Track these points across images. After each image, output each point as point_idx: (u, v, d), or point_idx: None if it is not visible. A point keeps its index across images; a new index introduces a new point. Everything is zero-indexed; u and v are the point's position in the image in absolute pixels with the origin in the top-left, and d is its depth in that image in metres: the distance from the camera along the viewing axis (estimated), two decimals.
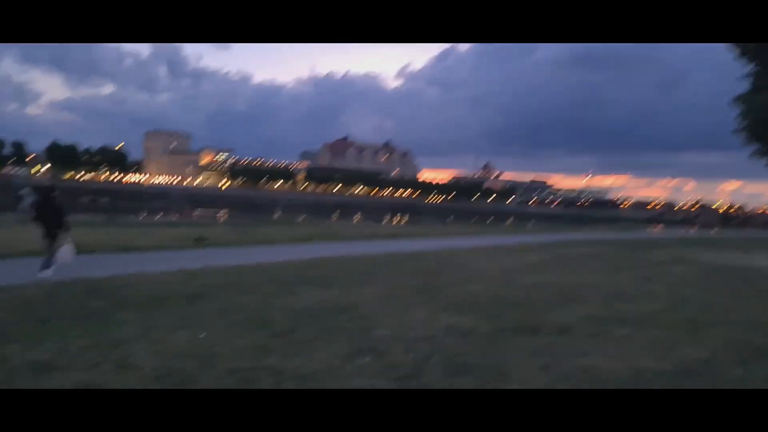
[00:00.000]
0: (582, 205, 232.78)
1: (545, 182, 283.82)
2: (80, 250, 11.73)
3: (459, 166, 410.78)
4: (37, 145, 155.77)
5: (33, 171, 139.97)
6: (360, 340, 6.65)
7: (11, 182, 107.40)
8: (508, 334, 7.31)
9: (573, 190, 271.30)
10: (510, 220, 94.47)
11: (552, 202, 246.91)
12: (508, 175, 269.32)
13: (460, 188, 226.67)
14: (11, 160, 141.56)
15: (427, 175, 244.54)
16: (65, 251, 10.86)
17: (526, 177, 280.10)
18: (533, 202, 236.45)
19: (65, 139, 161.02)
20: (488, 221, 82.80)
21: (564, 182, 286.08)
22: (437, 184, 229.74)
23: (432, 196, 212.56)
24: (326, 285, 10.57)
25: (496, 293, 10.70)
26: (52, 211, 11.02)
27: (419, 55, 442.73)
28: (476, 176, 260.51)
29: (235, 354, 5.80)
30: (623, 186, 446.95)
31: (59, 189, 11.97)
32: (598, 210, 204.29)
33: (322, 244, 20.70)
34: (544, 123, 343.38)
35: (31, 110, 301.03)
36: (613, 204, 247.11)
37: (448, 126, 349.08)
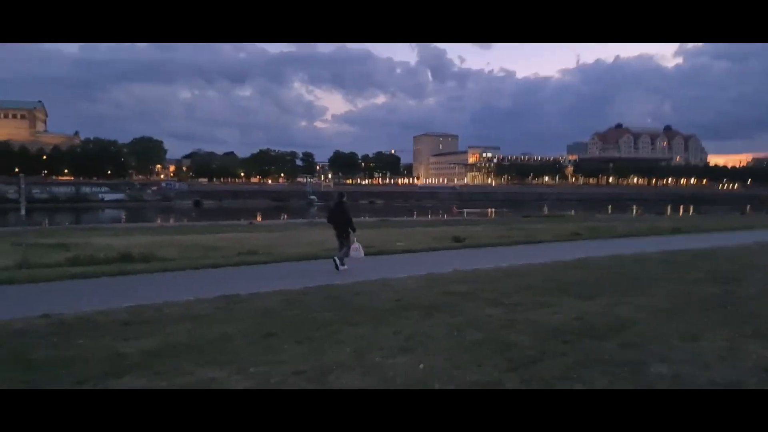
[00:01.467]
0: None
1: None
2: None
3: (756, 148, 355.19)
4: (323, 155, 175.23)
5: (321, 179, 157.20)
6: (630, 379, 4.94)
7: (303, 189, 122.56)
8: None
9: None
10: None
11: None
12: None
13: (760, 172, 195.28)
14: (302, 170, 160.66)
15: (716, 160, 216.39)
16: (355, 249, 12.58)
17: None
18: None
19: (346, 148, 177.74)
20: None
21: None
22: (730, 169, 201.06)
23: (723, 183, 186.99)
24: (588, 295, 8.79)
25: None
26: (342, 215, 12.70)
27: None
28: None
29: None
30: None
31: (347, 195, 13.75)
32: None
33: (589, 243, 18.59)
34: None
35: (318, 124, 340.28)
36: None
37: (741, 104, 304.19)
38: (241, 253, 15.18)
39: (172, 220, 52.69)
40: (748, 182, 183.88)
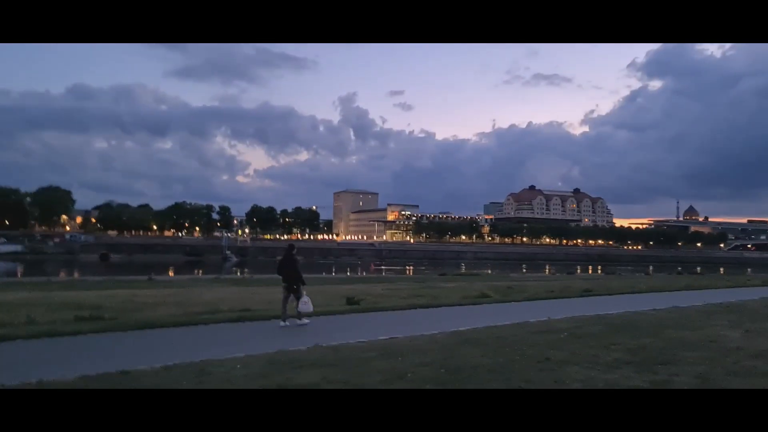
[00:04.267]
0: None
1: (766, 222, 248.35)
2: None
3: (656, 211, 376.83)
4: (244, 210, 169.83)
5: (238, 233, 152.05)
6: None
7: (219, 244, 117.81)
8: None
9: None
10: (723, 268, 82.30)
11: None
12: (717, 219, 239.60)
13: (660, 235, 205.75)
14: (219, 224, 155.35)
15: (621, 222, 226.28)
16: (305, 303, 12.33)
17: (739, 220, 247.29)
18: (752, 246, 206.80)
19: (268, 203, 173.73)
20: (698, 270, 72.17)
21: None
22: (634, 230, 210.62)
23: (628, 244, 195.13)
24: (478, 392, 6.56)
25: None
26: (292, 267, 12.76)
27: (605, 98, 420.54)
28: (678, 221, 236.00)
29: None
30: None
31: (296, 247, 13.65)
32: None
33: (496, 307, 16.74)
34: (755, 161, 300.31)
35: (240, 179, 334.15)
36: None
37: (641, 170, 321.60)
38: (79, 317, 12.27)
39: (76, 274, 50.11)
40: (650, 244, 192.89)
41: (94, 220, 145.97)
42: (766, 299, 20.58)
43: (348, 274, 57.70)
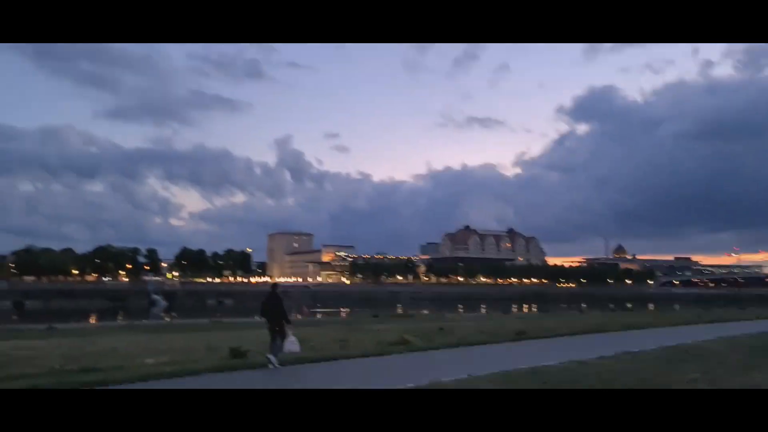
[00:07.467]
0: (735, 283, 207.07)
1: (689, 259, 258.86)
2: None
3: (587, 250, 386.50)
4: (175, 253, 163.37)
5: (167, 276, 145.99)
6: None
7: (145, 288, 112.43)
8: None
9: (722, 267, 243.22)
10: (652, 305, 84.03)
11: (699, 282, 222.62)
12: (645, 257, 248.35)
13: (591, 272, 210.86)
14: (146, 267, 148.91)
15: (554, 260, 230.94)
16: (292, 342, 12.17)
17: (665, 257, 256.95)
18: (678, 283, 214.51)
19: (203, 246, 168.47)
20: (629, 306, 73.16)
21: (708, 261, 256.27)
22: (567, 268, 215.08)
23: (561, 282, 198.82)
24: None
25: None
26: (276, 307, 12.32)
27: (535, 141, 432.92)
28: (608, 259, 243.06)
29: None
30: None
31: (280, 287, 13.27)
32: (754, 288, 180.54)
33: (414, 358, 14.42)
34: (677, 200, 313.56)
35: (174, 221, 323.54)
36: None
37: (571, 210, 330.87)
38: None
39: None
40: (583, 281, 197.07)
41: (11, 265, 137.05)
42: (725, 339, 19.14)
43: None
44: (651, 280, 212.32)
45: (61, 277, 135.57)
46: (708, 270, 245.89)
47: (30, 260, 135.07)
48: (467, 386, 8.89)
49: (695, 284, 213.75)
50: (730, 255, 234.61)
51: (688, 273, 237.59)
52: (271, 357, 11.74)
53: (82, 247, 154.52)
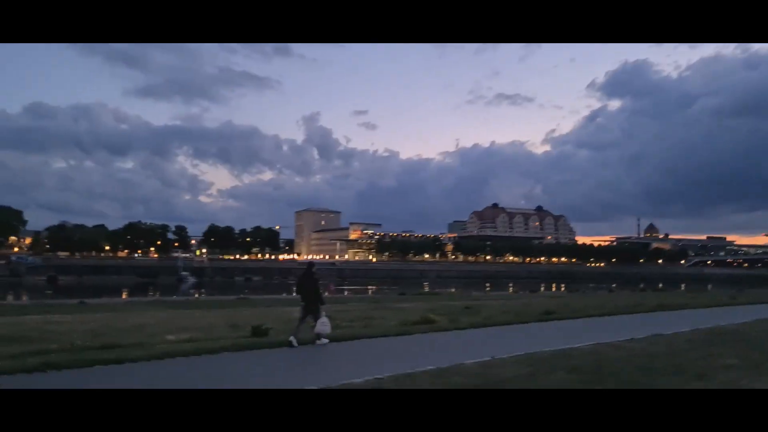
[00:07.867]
0: None
1: (724, 239, 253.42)
2: None
3: (618, 229, 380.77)
4: (204, 230, 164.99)
5: (196, 253, 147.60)
6: None
7: (174, 264, 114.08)
8: None
9: (757, 248, 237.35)
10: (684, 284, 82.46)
11: (733, 262, 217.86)
12: (677, 236, 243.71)
13: (622, 252, 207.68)
14: (175, 244, 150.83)
15: (584, 240, 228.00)
16: (323, 324, 12.03)
17: (698, 237, 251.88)
18: (711, 262, 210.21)
19: (231, 223, 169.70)
20: (660, 286, 71.88)
21: (743, 241, 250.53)
22: (596, 248, 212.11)
23: (591, 261, 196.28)
24: None
25: None
26: (311, 286, 12.35)
27: (565, 118, 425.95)
28: (639, 238, 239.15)
29: None
30: None
31: (317, 266, 13.06)
32: None
33: (437, 338, 13.97)
34: (712, 179, 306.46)
35: (203, 198, 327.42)
36: None
37: (602, 188, 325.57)
38: None
39: (10, 298, 48.35)
40: (613, 261, 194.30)
41: (45, 241, 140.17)
42: (763, 322, 18.33)
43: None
44: (683, 260, 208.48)
45: (93, 253, 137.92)
46: (743, 250, 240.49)
47: (64, 236, 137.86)
48: (484, 381, 8.33)
49: (729, 264, 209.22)
50: (766, 235, 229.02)
51: (721, 253, 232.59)
52: (293, 339, 11.61)
53: (113, 224, 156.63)
